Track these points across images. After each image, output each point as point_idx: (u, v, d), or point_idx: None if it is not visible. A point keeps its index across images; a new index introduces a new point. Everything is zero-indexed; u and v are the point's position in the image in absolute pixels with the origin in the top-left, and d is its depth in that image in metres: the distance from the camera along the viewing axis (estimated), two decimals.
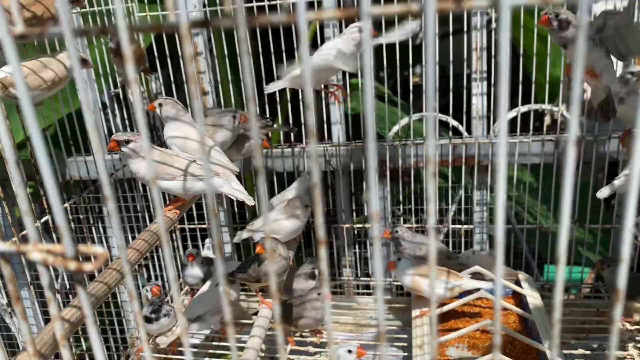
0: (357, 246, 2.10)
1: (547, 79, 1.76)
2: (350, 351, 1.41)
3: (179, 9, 1.85)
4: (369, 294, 2.07)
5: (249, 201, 1.30)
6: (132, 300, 0.45)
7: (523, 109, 1.83)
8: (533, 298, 1.68)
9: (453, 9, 0.32)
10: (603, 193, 1.41)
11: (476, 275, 1.68)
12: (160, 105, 1.41)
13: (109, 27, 0.36)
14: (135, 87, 0.37)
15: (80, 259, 0.44)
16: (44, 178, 0.40)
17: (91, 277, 1.21)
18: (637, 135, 0.35)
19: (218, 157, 1.37)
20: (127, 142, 1.20)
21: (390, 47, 1.70)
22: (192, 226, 2.12)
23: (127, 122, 2.01)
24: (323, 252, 0.42)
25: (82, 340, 1.88)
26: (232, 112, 1.53)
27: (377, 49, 1.77)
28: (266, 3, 1.78)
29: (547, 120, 2.45)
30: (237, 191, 1.28)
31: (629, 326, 1.64)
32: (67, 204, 1.64)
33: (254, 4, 1.79)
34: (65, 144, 1.75)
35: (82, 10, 1.78)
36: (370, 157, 0.38)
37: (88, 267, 0.42)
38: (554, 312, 0.41)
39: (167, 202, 1.37)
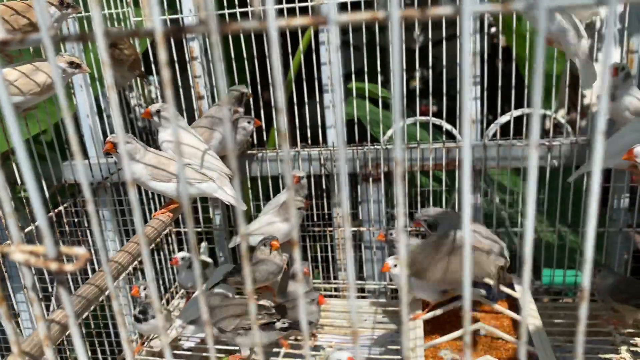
0: (353, 249, 2.10)
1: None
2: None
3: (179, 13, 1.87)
4: (364, 297, 2.07)
5: (241, 206, 1.31)
6: (113, 300, 0.46)
7: (516, 113, 1.84)
8: (528, 301, 1.69)
9: (418, 17, 0.33)
10: (572, 177, 1.54)
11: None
12: (158, 111, 1.42)
13: (87, 34, 0.37)
14: (113, 93, 0.38)
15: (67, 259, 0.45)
16: (25, 180, 0.41)
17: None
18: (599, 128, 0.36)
19: (212, 161, 1.38)
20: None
21: (389, 51, 1.72)
22: (187, 229, 2.12)
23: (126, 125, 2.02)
24: (297, 254, 0.43)
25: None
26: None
27: (374, 53, 1.78)
28: (296, 5, 1.79)
29: (547, 124, 2.46)
30: (229, 196, 1.29)
31: (619, 330, 1.65)
32: (61, 207, 1.65)
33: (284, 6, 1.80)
34: (60, 148, 1.76)
35: (78, 15, 1.80)
36: (341, 161, 0.39)
37: (69, 267, 0.43)
38: (523, 312, 0.41)
39: (161, 205, 1.38)
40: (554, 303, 1.95)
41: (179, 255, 1.84)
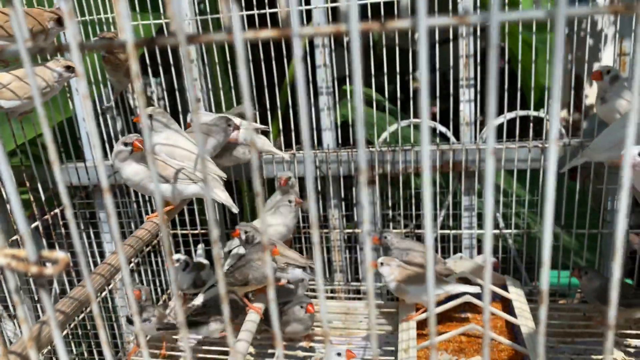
0: (348, 251, 2.12)
1: (533, 84, 1.79)
2: (339, 354, 1.43)
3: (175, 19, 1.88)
4: (360, 299, 2.09)
5: (233, 208, 1.32)
6: (92, 303, 0.47)
7: (510, 115, 1.85)
8: (519, 302, 1.70)
9: (378, 29, 0.35)
10: (564, 168, 1.60)
11: (463, 281, 1.70)
12: (150, 116, 1.44)
13: (64, 44, 0.39)
14: (88, 102, 0.39)
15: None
16: (6, 186, 0.43)
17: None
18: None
19: (206, 165, 1.39)
20: (126, 144, 1.25)
21: (390, 52, 1.73)
22: (184, 232, 2.14)
23: (125, 127, 2.04)
24: (268, 257, 0.45)
25: (73, 344, 1.90)
26: (226, 122, 1.56)
27: (374, 55, 1.80)
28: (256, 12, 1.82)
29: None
30: (222, 198, 1.31)
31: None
32: (57, 210, 1.66)
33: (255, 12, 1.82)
34: (58, 151, 1.78)
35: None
36: (307, 164, 0.40)
37: (48, 271, 0.44)
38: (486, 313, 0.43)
39: (155, 209, 1.39)
40: (549, 304, 1.96)
41: (174, 257, 1.85)
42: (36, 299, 1.77)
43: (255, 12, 1.82)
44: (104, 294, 1.86)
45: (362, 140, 0.38)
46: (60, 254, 0.46)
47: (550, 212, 0.38)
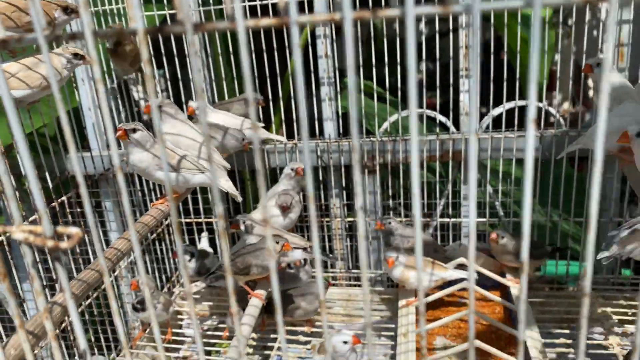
0: (349, 239, 2.15)
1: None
2: (345, 342, 1.44)
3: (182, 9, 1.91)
4: (360, 286, 2.12)
5: (237, 197, 1.35)
6: (104, 275, 0.50)
7: (509, 105, 1.87)
8: (517, 290, 1.73)
9: (369, 18, 0.38)
10: (562, 154, 1.65)
11: (462, 267, 1.73)
12: (159, 106, 1.47)
13: (77, 33, 0.42)
14: (101, 86, 0.42)
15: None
16: (23, 159, 0.46)
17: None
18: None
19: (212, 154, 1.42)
20: (135, 130, 1.27)
21: (391, 43, 1.76)
22: (188, 220, 2.17)
23: (131, 119, 2.07)
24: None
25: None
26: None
27: (376, 46, 1.82)
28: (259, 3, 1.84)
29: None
30: (226, 186, 1.34)
31: (511, 283, 1.72)
32: (64, 197, 1.70)
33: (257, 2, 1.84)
34: (64, 141, 1.81)
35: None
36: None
37: (64, 244, 0.48)
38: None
39: (160, 196, 1.42)
40: (547, 292, 1.99)
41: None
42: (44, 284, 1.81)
43: (257, 2, 1.85)
44: (110, 279, 1.90)
45: (356, 132, 0.41)
46: (73, 229, 0.49)
47: (529, 187, 0.41)
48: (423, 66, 3.25)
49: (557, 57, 1.96)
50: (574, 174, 1.81)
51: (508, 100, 1.85)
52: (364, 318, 1.65)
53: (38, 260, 1.65)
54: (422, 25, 2.61)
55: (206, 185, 1.40)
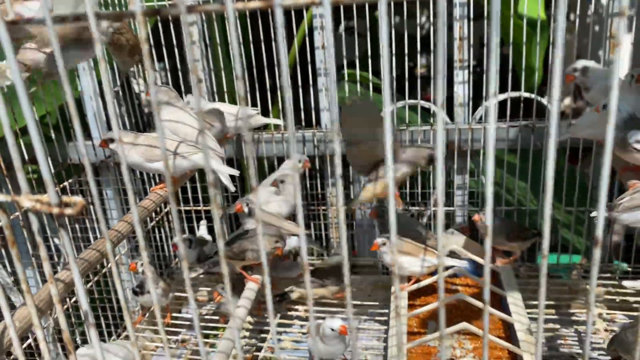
0: (345, 227, 2.20)
1: (524, 66, 1.85)
2: (332, 329, 1.48)
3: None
4: (356, 273, 2.16)
5: (230, 186, 1.39)
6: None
7: (502, 96, 1.91)
8: (508, 276, 1.77)
9: (348, 2, 0.41)
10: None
11: (453, 254, 1.78)
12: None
13: (82, 14, 0.46)
14: (103, 63, 0.46)
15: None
16: (31, 134, 0.50)
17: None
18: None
19: (207, 140, 1.46)
20: (112, 140, 1.33)
21: (398, 37, 1.79)
22: (187, 208, 2.22)
23: (131, 110, 2.11)
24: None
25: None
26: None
27: (366, 42, 1.86)
28: None
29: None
30: (222, 170, 1.37)
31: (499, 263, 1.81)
32: (65, 183, 1.74)
33: None
34: (66, 130, 1.86)
35: None
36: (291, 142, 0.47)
37: (68, 211, 0.52)
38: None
39: (157, 182, 1.46)
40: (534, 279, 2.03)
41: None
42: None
43: None
44: (109, 265, 1.95)
45: (335, 124, 0.45)
46: (77, 198, 0.53)
47: (490, 165, 0.45)
48: (424, 60, 3.29)
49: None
50: (564, 165, 1.85)
51: (502, 91, 1.89)
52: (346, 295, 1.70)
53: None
54: (424, 19, 2.65)
55: (201, 167, 1.43)
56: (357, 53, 1.92)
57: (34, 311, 0.63)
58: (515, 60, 1.94)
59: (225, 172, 1.36)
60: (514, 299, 1.64)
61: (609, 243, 2.04)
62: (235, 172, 1.38)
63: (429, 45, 1.93)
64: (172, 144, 1.36)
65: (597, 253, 0.47)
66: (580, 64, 1.64)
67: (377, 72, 2.05)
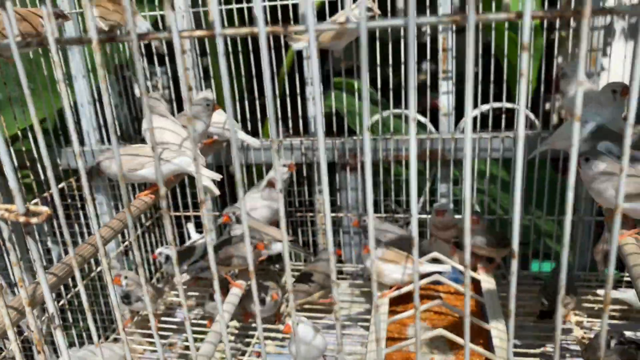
0: (332, 234, 2.23)
1: (505, 77, 1.89)
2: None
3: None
4: (343, 279, 2.20)
5: (214, 190, 1.42)
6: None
7: (485, 106, 1.95)
8: (487, 283, 1.81)
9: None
10: (531, 155, 1.75)
11: (436, 261, 1.81)
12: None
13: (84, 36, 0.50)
14: (97, 47, 0.50)
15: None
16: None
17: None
18: None
19: (190, 147, 1.50)
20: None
21: (384, 46, 1.83)
22: (177, 214, 2.26)
23: (128, 114, 2.15)
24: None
25: (81, 321, 2.02)
26: (206, 101, 1.65)
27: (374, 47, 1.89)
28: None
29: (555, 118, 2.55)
30: (205, 175, 1.41)
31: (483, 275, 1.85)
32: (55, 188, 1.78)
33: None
34: (56, 136, 1.91)
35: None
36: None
37: (34, 220, 0.56)
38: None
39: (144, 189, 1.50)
40: (520, 287, 2.06)
41: (157, 251, 2.00)
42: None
43: (234, 6, 1.92)
44: (99, 269, 1.99)
45: (320, 133, 0.49)
46: (43, 208, 0.57)
47: (468, 173, 0.49)
48: (427, 66, 3.31)
49: (560, 60, 2.04)
50: (546, 175, 1.88)
51: (495, 100, 1.93)
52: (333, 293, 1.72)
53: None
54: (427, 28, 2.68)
55: (184, 172, 1.46)
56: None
57: (24, 292, 0.66)
58: (508, 70, 1.97)
59: (206, 176, 1.39)
60: (494, 308, 1.67)
61: (597, 252, 2.08)
62: (217, 177, 1.41)
63: (429, 51, 1.95)
64: (149, 152, 1.40)
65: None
66: (564, 66, 1.68)
67: (372, 80, 2.07)
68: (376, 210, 2.11)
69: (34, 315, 0.68)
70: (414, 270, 0.57)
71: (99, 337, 2.01)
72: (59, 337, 0.64)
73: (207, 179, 1.40)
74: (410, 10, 0.44)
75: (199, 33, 0.47)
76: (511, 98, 2.13)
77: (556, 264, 2.04)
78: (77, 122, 2.08)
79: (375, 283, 0.58)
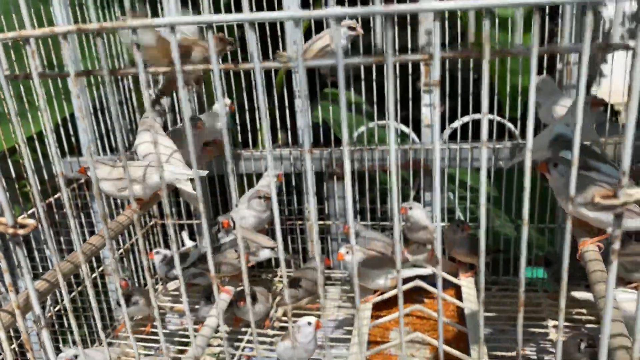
0: (320, 241, 2.30)
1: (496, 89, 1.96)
2: (309, 323, 1.58)
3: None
4: (332, 285, 2.26)
5: (198, 203, 1.49)
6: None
7: (466, 118, 2.02)
8: (468, 288, 1.87)
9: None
10: (508, 165, 1.83)
11: (416, 267, 1.88)
12: None
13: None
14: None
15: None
16: None
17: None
18: None
19: (176, 162, 1.57)
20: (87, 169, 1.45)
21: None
22: (172, 222, 2.32)
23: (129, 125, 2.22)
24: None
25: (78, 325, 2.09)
26: (191, 120, 1.73)
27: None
28: None
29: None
30: (189, 186, 1.48)
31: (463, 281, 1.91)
32: (51, 199, 1.86)
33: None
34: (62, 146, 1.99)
35: None
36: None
37: (21, 232, 0.63)
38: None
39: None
40: (503, 292, 2.12)
41: (154, 250, 2.07)
42: None
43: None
44: (94, 275, 2.06)
45: (307, 142, 0.56)
46: (30, 221, 0.64)
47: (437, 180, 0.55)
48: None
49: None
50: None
51: (468, 112, 2.01)
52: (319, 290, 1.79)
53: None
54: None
55: (170, 183, 1.53)
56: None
57: (13, 297, 0.73)
58: (498, 86, 2.03)
59: (189, 188, 1.47)
60: (473, 312, 1.74)
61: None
62: (199, 202, 1.48)
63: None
64: (137, 170, 1.47)
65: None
66: (539, 82, 1.75)
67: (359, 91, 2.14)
68: (362, 218, 2.18)
69: (23, 318, 0.75)
70: (398, 276, 0.63)
71: (93, 341, 2.08)
72: (45, 337, 0.71)
73: (191, 188, 1.47)
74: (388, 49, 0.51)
75: (201, 67, 0.54)
76: (501, 109, 2.19)
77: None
78: (75, 134, 2.15)
79: (357, 287, 0.65)
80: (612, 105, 2.35)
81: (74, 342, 2.07)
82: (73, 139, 2.05)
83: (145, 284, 2.30)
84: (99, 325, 0.72)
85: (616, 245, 0.50)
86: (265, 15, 0.49)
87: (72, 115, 2.12)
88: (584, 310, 1.90)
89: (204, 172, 1.49)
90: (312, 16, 0.48)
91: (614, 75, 1.85)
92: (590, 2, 0.52)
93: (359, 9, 0.51)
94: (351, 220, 0.65)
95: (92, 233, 2.24)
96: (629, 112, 0.46)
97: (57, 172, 0.59)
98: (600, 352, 0.60)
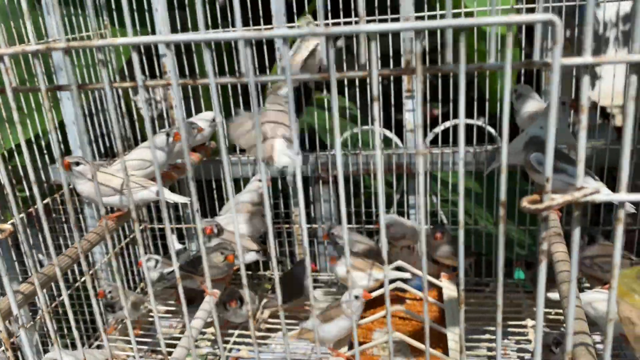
0: (309, 244, 2.34)
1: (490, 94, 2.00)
2: (357, 297, 1.61)
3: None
4: (319, 287, 2.30)
5: (182, 199, 1.53)
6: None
7: (448, 124, 2.06)
8: (449, 290, 1.91)
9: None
10: (486, 171, 1.87)
11: (400, 269, 1.92)
12: None
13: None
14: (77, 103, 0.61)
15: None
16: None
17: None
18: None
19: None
20: (77, 164, 1.44)
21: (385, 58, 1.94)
22: (161, 226, 2.37)
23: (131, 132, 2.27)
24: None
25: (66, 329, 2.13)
26: (166, 131, 1.74)
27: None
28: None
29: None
30: (171, 197, 1.52)
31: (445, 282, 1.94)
32: (41, 203, 1.89)
33: None
34: (49, 152, 2.02)
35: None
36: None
37: None
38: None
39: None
40: (485, 293, 2.16)
41: (147, 256, 2.11)
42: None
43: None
44: (83, 278, 2.09)
45: (297, 144, 0.60)
46: (6, 226, 0.68)
47: (422, 183, 0.60)
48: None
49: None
50: (515, 185, 2.00)
51: (469, 117, 2.05)
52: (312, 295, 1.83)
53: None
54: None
55: (150, 201, 1.57)
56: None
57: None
58: (481, 85, 2.07)
59: (174, 200, 1.51)
60: (453, 314, 1.78)
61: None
62: (185, 200, 1.53)
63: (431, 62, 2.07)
64: (119, 181, 1.49)
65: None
66: (518, 88, 1.81)
67: (352, 96, 2.18)
68: (349, 221, 2.22)
69: (3, 321, 0.79)
70: (385, 277, 0.67)
71: (83, 344, 2.11)
72: (23, 338, 0.75)
73: (174, 197, 1.52)
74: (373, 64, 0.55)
75: (200, 81, 0.58)
76: (484, 113, 2.23)
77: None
78: (64, 140, 2.18)
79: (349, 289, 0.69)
80: (602, 108, 2.40)
81: (73, 344, 2.11)
82: (62, 146, 2.09)
83: (135, 288, 2.34)
84: (81, 330, 0.75)
85: (544, 247, 0.54)
86: (220, 35, 0.54)
87: (61, 122, 2.16)
88: (562, 311, 1.93)
89: (186, 199, 1.53)
90: (264, 36, 0.52)
91: (602, 80, 1.91)
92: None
93: (344, 28, 0.55)
94: (345, 234, 0.68)
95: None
96: (549, 125, 0.50)
97: (32, 181, 0.63)
98: (565, 349, 0.63)
